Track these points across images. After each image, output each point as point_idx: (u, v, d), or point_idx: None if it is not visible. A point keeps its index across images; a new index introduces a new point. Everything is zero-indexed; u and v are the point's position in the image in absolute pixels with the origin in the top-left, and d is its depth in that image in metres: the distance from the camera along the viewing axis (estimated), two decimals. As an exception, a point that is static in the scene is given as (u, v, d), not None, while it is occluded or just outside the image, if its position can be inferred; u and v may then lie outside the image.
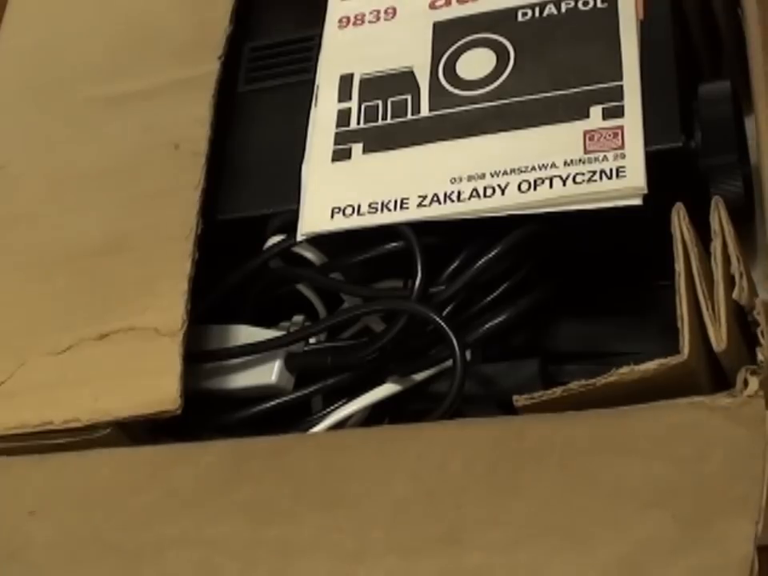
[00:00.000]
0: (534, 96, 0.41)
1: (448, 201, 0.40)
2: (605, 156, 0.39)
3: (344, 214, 0.41)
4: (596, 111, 0.40)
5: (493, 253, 0.40)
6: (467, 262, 0.41)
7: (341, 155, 0.43)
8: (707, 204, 0.36)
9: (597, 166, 0.39)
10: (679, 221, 0.36)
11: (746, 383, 0.32)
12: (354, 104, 0.43)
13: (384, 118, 0.43)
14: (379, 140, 0.42)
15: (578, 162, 0.39)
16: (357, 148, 0.42)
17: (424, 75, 0.43)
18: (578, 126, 0.40)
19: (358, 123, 0.43)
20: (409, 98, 0.43)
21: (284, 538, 0.32)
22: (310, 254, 0.43)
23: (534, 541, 0.29)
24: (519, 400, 0.35)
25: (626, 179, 0.38)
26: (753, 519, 0.27)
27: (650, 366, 0.33)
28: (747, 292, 0.34)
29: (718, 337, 0.34)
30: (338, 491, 0.33)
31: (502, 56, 0.42)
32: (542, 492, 0.31)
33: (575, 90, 0.40)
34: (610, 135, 0.39)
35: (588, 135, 0.39)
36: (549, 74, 0.41)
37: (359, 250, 0.42)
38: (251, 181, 0.44)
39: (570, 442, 0.32)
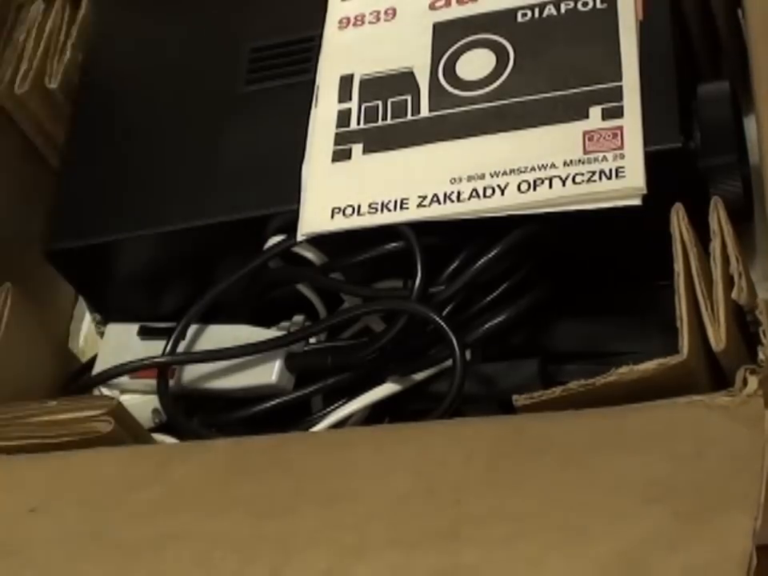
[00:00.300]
0: (533, 96, 0.41)
1: (448, 201, 0.40)
2: (604, 156, 0.39)
3: (344, 214, 0.41)
4: (595, 112, 0.40)
5: (492, 253, 0.40)
6: (467, 262, 0.41)
7: (341, 155, 0.43)
8: (706, 204, 0.36)
9: (596, 167, 0.39)
10: (678, 221, 0.36)
11: (744, 382, 0.32)
12: (354, 104, 0.43)
13: (384, 118, 0.43)
14: (379, 140, 0.42)
15: (577, 163, 0.39)
16: (357, 148, 0.43)
17: (424, 76, 0.43)
18: (578, 127, 0.40)
19: (358, 124, 0.43)
20: (409, 98, 0.43)
21: (284, 532, 0.32)
22: (310, 254, 0.43)
23: (533, 536, 0.29)
24: (519, 400, 0.35)
25: (626, 179, 0.38)
26: (751, 515, 0.27)
27: (650, 365, 0.33)
28: (746, 292, 0.34)
29: (717, 336, 0.34)
30: (338, 487, 0.33)
31: (501, 56, 0.42)
32: (542, 488, 0.31)
33: (575, 90, 0.41)
34: (609, 135, 0.39)
35: (587, 136, 0.40)
36: (548, 74, 0.41)
37: (359, 250, 0.42)
38: (251, 181, 0.44)
39: (570, 439, 0.32)
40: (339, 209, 0.41)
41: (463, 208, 0.40)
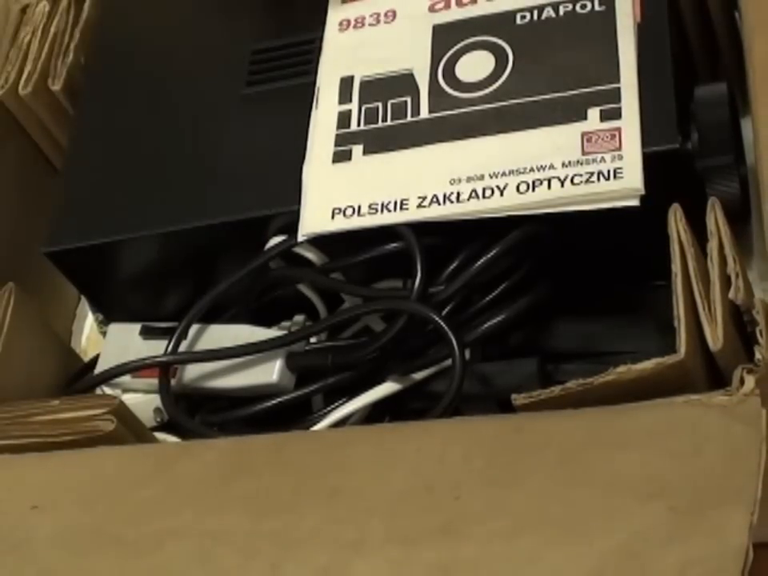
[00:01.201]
0: (532, 98, 0.41)
1: (447, 202, 0.40)
2: (602, 158, 0.39)
3: (344, 214, 0.42)
4: (594, 113, 0.40)
5: (492, 253, 0.40)
6: (466, 262, 0.41)
7: (341, 156, 0.43)
8: (704, 205, 0.36)
9: (594, 168, 0.39)
10: (676, 221, 0.36)
11: (742, 382, 0.32)
12: (354, 106, 0.44)
13: (384, 119, 0.43)
14: (379, 141, 0.43)
15: (575, 164, 0.39)
16: (357, 149, 0.43)
17: (423, 77, 0.43)
18: (576, 128, 0.40)
19: (359, 125, 0.43)
20: (408, 99, 0.43)
21: (284, 529, 0.32)
22: (310, 255, 0.43)
23: (531, 531, 0.29)
24: (518, 399, 0.35)
25: (623, 180, 0.38)
26: (748, 510, 0.28)
27: (648, 365, 0.34)
28: (743, 292, 0.34)
29: (715, 336, 0.34)
30: (338, 484, 0.33)
31: (500, 58, 0.43)
32: (540, 484, 0.31)
33: (573, 92, 0.41)
34: (607, 137, 0.39)
35: (586, 137, 0.40)
36: (547, 76, 0.41)
37: (359, 250, 0.42)
38: (252, 182, 0.44)
39: (568, 437, 0.32)
40: (339, 209, 0.42)
41: (462, 209, 0.40)
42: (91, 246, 0.46)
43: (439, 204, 0.40)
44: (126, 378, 0.46)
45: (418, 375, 0.42)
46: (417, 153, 0.42)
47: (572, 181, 0.39)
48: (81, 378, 0.48)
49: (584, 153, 0.39)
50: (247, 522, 0.33)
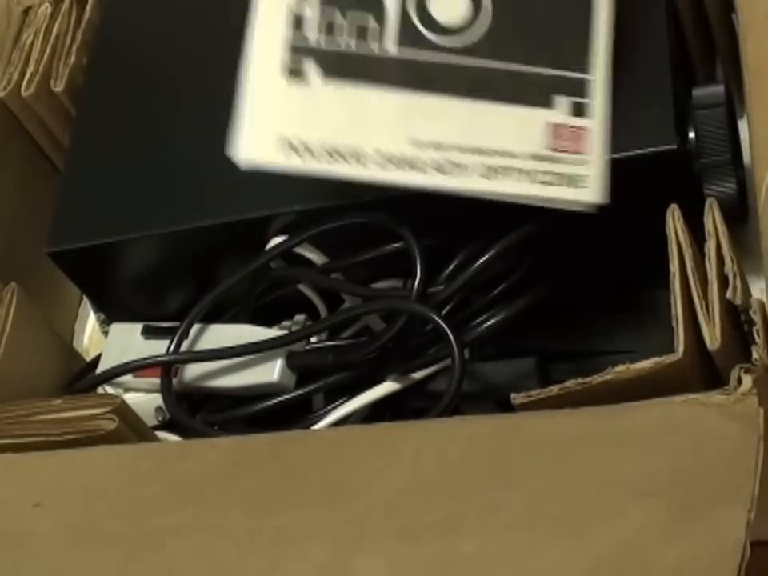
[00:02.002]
0: (503, 63, 0.39)
1: (407, 167, 0.38)
2: (568, 159, 0.38)
3: (296, 151, 0.38)
4: (561, 103, 0.39)
5: (491, 253, 0.40)
6: (466, 262, 0.41)
7: (295, 74, 0.38)
8: (702, 205, 0.37)
9: (560, 169, 0.38)
10: (674, 222, 0.36)
11: (739, 381, 0.32)
12: (312, 6, 0.38)
13: (347, 42, 0.39)
14: (339, 68, 0.38)
15: (540, 159, 0.38)
16: (314, 71, 0.38)
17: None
18: (542, 115, 0.38)
19: (318, 34, 0.38)
20: (371, 17, 0.39)
21: (284, 526, 0.32)
22: (310, 255, 0.43)
23: (530, 529, 0.30)
24: (517, 398, 0.35)
25: (587, 191, 0.38)
26: (745, 508, 0.28)
27: (646, 364, 0.34)
28: (740, 291, 0.34)
29: (712, 336, 0.34)
30: (338, 482, 0.33)
31: (477, 4, 0.39)
32: (538, 482, 0.31)
33: (541, 69, 0.39)
34: (575, 136, 0.38)
35: (553, 130, 0.39)
36: (522, 41, 0.39)
37: (359, 250, 0.42)
38: (253, 182, 0.44)
39: (566, 436, 0.32)
40: (290, 142, 0.38)
41: (424, 180, 0.38)
42: (93, 246, 0.46)
43: (399, 168, 0.38)
44: (127, 378, 0.46)
45: (418, 375, 0.42)
46: (379, 95, 0.38)
47: (536, 178, 0.38)
48: (83, 377, 0.48)
49: (551, 148, 0.38)
50: (248, 520, 0.33)
